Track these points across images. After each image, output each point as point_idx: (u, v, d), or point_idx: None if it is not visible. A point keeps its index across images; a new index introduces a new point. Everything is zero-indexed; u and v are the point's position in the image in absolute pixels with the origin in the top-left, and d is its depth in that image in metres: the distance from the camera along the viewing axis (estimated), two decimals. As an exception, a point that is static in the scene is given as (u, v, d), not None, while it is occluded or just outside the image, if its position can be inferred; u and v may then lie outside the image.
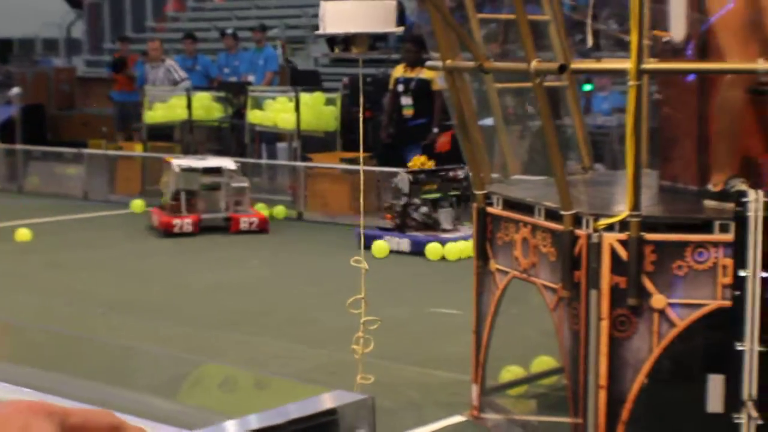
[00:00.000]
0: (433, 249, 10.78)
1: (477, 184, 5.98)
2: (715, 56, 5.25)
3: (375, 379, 4.89)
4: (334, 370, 6.99)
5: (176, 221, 12.23)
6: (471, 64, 5.63)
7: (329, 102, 14.34)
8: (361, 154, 5.34)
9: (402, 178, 11.28)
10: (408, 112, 13.38)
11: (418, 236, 11.04)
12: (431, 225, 11.14)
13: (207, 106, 15.35)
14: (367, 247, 10.81)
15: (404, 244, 11.04)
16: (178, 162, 12.72)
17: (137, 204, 13.99)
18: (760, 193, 4.71)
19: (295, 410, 1.26)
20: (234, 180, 12.69)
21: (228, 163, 12.78)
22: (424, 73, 12.91)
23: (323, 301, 9.14)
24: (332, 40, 4.82)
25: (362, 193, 5.12)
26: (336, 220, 12.82)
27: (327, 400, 1.31)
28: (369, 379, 4.95)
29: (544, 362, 6.69)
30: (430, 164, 11.50)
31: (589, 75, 12.70)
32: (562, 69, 5.14)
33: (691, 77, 5.50)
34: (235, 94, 15.41)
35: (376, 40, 4.80)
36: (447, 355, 7.24)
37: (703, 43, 5.31)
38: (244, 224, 12.43)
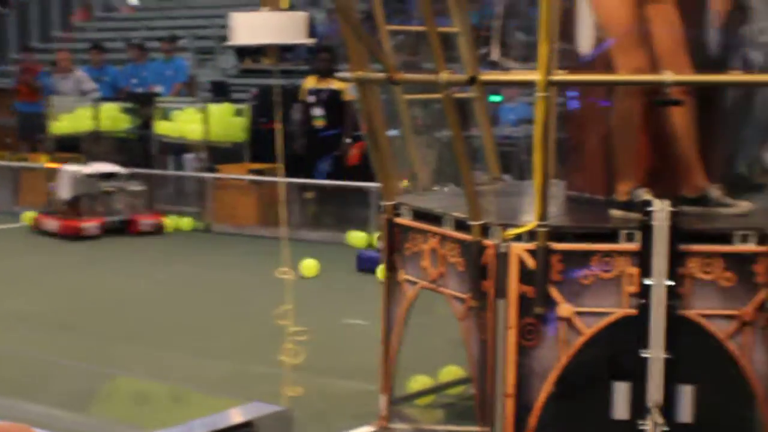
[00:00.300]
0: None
1: (386, 194, 5.99)
2: (611, 69, 5.30)
3: (283, 390, 4.85)
4: (245, 383, 6.95)
5: (83, 225, 12.62)
6: (381, 75, 5.63)
7: (238, 113, 14.25)
8: (281, 165, 5.32)
9: None
10: (319, 123, 13.35)
11: None
12: None
13: (114, 117, 15.17)
14: (371, 270, 10.48)
15: None
16: (73, 168, 13.20)
17: (29, 216, 13.75)
18: (665, 202, 4.79)
19: (210, 424, 1.26)
20: (129, 184, 13.26)
21: (118, 168, 13.32)
22: (335, 84, 12.90)
23: (231, 313, 9.09)
24: (242, 51, 4.83)
25: (282, 204, 5.10)
26: (244, 232, 12.77)
27: (242, 413, 1.30)
28: (297, 391, 4.91)
29: (451, 372, 6.72)
30: None
31: (497, 86, 12.79)
32: (472, 81, 5.17)
33: (574, 105, 5.58)
34: (143, 105, 15.27)
35: (284, 51, 4.81)
36: (356, 366, 7.24)
37: (602, 59, 5.38)
38: (142, 226, 13.01)
